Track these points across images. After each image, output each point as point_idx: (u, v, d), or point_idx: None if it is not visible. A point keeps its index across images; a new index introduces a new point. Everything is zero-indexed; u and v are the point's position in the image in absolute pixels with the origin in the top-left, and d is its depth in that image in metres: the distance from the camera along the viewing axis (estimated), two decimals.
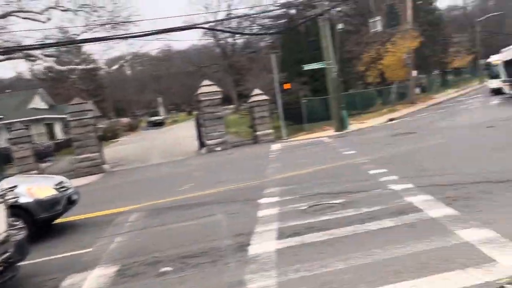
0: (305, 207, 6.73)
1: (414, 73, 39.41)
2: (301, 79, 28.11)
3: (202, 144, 22.11)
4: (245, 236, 5.66)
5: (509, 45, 29.39)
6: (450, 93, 44.86)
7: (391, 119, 25.39)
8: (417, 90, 42.76)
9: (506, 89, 28.99)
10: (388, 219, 5.36)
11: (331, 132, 22.07)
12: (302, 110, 24.77)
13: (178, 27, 19.09)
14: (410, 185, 6.96)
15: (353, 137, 17.89)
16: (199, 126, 22.58)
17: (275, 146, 19.02)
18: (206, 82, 22.45)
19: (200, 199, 8.97)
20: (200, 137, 22.54)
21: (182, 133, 30.99)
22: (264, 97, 23.33)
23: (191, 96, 37.00)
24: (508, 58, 27.76)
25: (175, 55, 68.37)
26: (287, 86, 23.35)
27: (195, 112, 38.73)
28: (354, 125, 24.36)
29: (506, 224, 4.46)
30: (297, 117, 25.95)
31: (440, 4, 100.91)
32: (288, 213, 6.54)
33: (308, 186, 8.41)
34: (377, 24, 21.96)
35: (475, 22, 55.99)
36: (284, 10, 35.03)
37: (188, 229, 6.72)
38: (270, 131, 23.27)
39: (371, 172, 8.72)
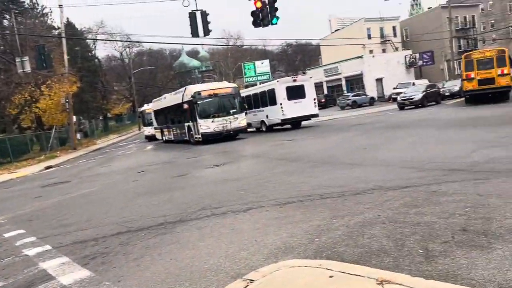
0: None
1: (74, 118, 38.66)
2: None
3: None
4: None
5: (160, 95, 33.37)
6: (112, 138, 46.56)
7: (48, 167, 23.50)
8: (79, 136, 42.06)
9: (158, 135, 32.46)
10: None
11: None
12: None
13: None
14: (48, 247, 6.08)
15: None
16: None
17: None
18: None
19: None
20: None
21: None
22: None
23: None
24: (158, 107, 31.33)
25: None
26: None
27: None
28: (1, 176, 21.08)
29: (134, 280, 4.33)
30: None
31: (99, 53, 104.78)
32: None
33: None
34: (25, 65, 20.08)
35: (131, 73, 61.00)
36: None
37: None
38: None
39: (7, 235, 7.27)
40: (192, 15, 18.81)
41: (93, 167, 18.64)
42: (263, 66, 39.40)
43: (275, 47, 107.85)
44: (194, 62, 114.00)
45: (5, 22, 46.66)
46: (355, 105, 42.22)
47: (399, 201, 5.84)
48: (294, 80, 24.62)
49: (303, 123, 25.28)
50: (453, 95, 32.98)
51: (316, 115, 25.00)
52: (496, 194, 5.52)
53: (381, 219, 5.12)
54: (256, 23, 18.42)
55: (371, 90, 49.50)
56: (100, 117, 59.43)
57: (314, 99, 24.72)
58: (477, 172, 7.05)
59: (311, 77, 26.83)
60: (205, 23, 18.88)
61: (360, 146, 12.72)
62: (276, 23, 18.45)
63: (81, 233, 6.63)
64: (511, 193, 5.48)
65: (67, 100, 35.21)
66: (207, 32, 18.94)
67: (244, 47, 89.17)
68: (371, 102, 44.41)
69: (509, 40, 66.40)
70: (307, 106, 23.94)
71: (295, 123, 24.91)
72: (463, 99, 29.59)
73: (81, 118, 60.81)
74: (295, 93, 23.71)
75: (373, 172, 8.34)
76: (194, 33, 18.81)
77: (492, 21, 72.62)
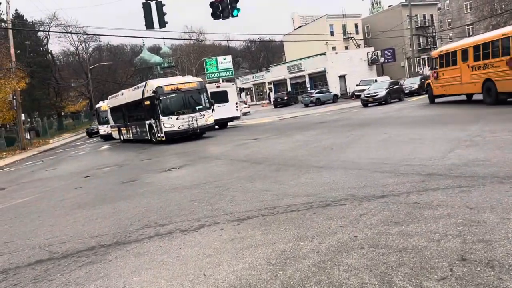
0: None
1: (23, 116, 36.09)
2: None
3: None
4: None
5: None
6: (66, 137, 44.05)
7: None
8: (28, 135, 39.31)
9: (115, 134, 30.62)
10: None
11: None
12: None
13: None
14: None
15: None
16: None
17: None
18: None
19: None
20: None
21: None
22: None
23: None
24: (114, 104, 29.50)
25: None
26: None
27: None
28: None
29: None
30: None
31: (54, 48, 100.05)
32: None
33: None
34: None
35: (87, 69, 58.21)
36: None
37: None
38: None
39: None
40: (146, 6, 17.51)
41: (36, 171, 16.95)
42: (225, 62, 38.19)
43: (238, 44, 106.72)
44: (156, 58, 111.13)
45: None
46: (319, 102, 41.89)
47: (377, 216, 4.96)
48: (218, 86, 27.79)
49: (266, 121, 24.60)
50: (412, 93, 33.09)
51: (238, 117, 28.28)
52: (489, 207, 4.73)
53: (359, 242, 4.20)
54: (215, 15, 17.35)
55: (334, 87, 49.42)
56: (54, 115, 56.27)
57: (236, 103, 28.17)
58: (459, 177, 6.30)
59: (233, 84, 30.16)
60: (161, 14, 17.62)
61: (327, 145, 11.91)
62: (237, 15, 17.46)
63: None
64: (506, 206, 4.70)
65: (14, 97, 32.75)
66: (162, 24, 17.68)
67: (207, 43, 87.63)
68: (335, 99, 44.23)
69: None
70: (230, 109, 27.38)
71: (220, 124, 27.50)
72: (423, 96, 29.74)
73: (36, 116, 57.39)
74: (219, 97, 26.33)
75: (343, 176, 7.48)
76: (149, 25, 17.50)
77: (449, 20, 74.65)
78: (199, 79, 23.75)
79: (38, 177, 14.83)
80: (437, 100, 22.23)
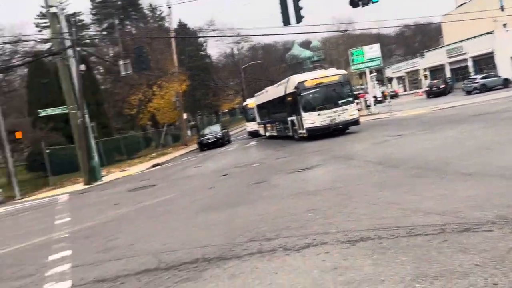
0: None
1: (185, 115, 40.23)
2: (50, 124, 24.66)
3: None
4: None
5: None
6: None
7: (155, 165, 24.31)
8: (189, 132, 43.64)
9: (261, 131, 31.64)
10: None
11: (80, 185, 19.38)
12: (46, 161, 21.25)
13: None
14: (68, 284, 5.24)
15: (96, 193, 15.73)
16: None
17: None
18: None
19: None
20: None
21: None
22: None
23: None
24: (260, 102, 30.47)
25: None
26: (18, 134, 19.68)
27: None
28: (113, 174, 22.33)
29: None
30: (45, 168, 22.29)
31: (212, 51, 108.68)
32: None
33: None
34: (128, 67, 20.76)
35: (241, 68, 61.83)
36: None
37: None
38: None
39: (51, 258, 6.69)
40: (283, 2, 17.31)
41: (186, 168, 18.44)
42: (373, 51, 35.91)
43: (392, 30, 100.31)
44: (306, 53, 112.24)
45: (127, 27, 50.75)
46: (484, 88, 36.32)
47: None
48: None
49: (417, 113, 22.03)
50: None
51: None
52: None
53: None
54: (353, 3, 16.22)
55: (505, 70, 42.36)
56: (212, 113, 61.51)
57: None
58: None
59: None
60: (297, 9, 17.21)
61: (484, 145, 9.91)
62: (377, 1, 16.02)
63: (111, 266, 5.67)
64: None
65: (177, 98, 36.71)
66: (299, 19, 17.25)
67: (357, 33, 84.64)
68: (506, 84, 37.81)
69: None
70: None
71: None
72: None
73: (199, 114, 63.85)
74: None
75: (496, 189, 5.94)
76: (286, 21, 17.27)
77: None
78: (342, 71, 22.34)
79: (186, 174, 16.07)
80: None
